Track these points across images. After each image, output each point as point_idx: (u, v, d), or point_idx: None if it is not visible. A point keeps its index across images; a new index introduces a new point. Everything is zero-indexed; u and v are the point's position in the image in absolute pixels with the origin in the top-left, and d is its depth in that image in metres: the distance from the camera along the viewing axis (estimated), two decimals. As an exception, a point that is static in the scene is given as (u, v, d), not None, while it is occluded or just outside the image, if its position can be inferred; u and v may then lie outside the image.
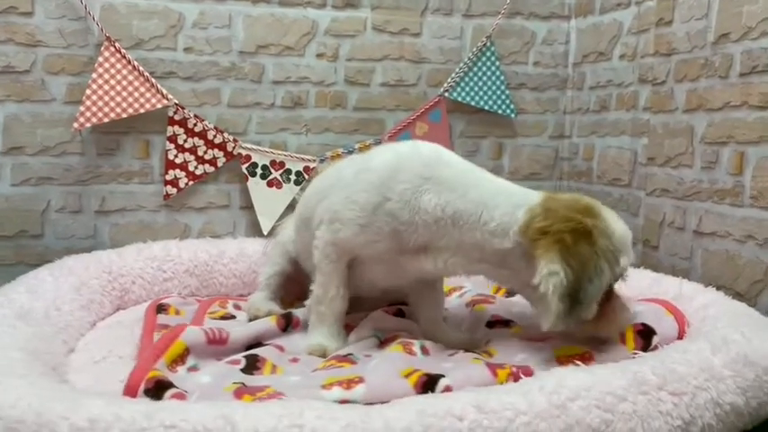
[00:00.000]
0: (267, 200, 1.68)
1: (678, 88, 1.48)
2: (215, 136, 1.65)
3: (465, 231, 1.03)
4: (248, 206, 1.70)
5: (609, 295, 1.02)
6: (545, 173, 1.93)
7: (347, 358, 1.06)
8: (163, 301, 1.36)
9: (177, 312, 1.32)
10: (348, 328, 1.21)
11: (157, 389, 0.88)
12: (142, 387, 0.88)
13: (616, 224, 1.02)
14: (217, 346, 1.05)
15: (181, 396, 0.87)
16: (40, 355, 0.95)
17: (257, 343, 1.13)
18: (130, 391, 0.88)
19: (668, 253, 1.52)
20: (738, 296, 1.31)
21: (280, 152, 1.69)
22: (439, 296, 1.24)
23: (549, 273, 0.93)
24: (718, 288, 1.27)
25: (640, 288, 1.31)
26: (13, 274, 1.53)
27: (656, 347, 1.07)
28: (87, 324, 1.27)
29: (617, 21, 1.70)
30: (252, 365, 1.02)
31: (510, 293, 1.47)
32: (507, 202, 1.04)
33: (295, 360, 1.09)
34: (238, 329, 1.11)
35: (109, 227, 1.63)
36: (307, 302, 1.19)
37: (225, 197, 1.70)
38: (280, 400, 0.83)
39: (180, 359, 1.00)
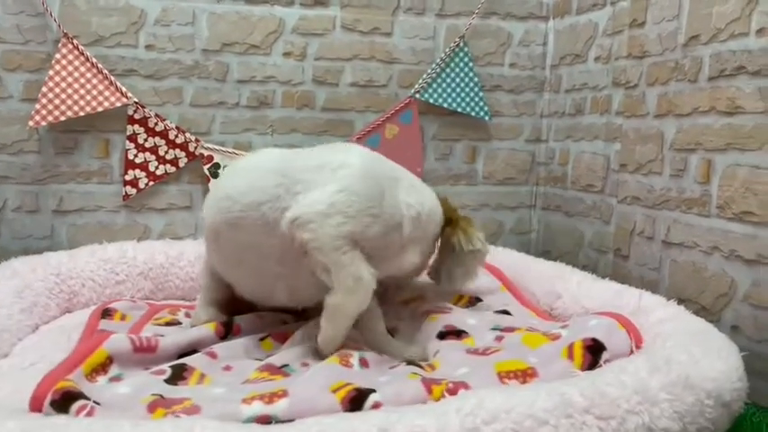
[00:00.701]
0: (230, 202, 1.64)
1: (650, 92, 1.43)
2: (176, 135, 1.61)
3: (428, 224, 1.20)
4: (211, 208, 1.66)
5: None
6: (520, 177, 1.87)
7: (281, 371, 1.02)
8: (110, 306, 1.32)
9: (123, 318, 1.29)
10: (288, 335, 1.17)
11: (64, 400, 0.83)
12: (48, 398, 0.84)
13: None
14: (145, 354, 1.01)
15: (86, 408, 0.83)
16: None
17: (192, 350, 1.09)
18: (36, 402, 0.84)
19: (638, 263, 1.46)
20: (703, 310, 1.25)
21: (244, 153, 1.65)
22: (375, 305, 1.19)
23: (482, 242, 1.25)
24: (684, 301, 1.22)
25: (602, 300, 1.26)
26: None
27: (602, 365, 1.03)
28: (28, 328, 1.23)
29: (593, 22, 1.64)
30: (177, 375, 0.98)
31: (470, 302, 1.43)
32: (432, 197, 1.25)
33: (228, 368, 1.05)
34: (171, 337, 1.07)
35: (66, 227, 1.59)
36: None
37: (186, 198, 1.66)
38: (179, 418, 0.79)
39: (101, 368, 0.96)
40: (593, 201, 1.64)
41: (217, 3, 1.62)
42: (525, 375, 0.97)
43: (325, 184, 1.07)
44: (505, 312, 1.34)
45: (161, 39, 1.60)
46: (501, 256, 1.61)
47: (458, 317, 1.27)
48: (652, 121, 1.42)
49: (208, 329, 1.13)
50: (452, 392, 0.90)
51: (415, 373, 0.98)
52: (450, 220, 1.26)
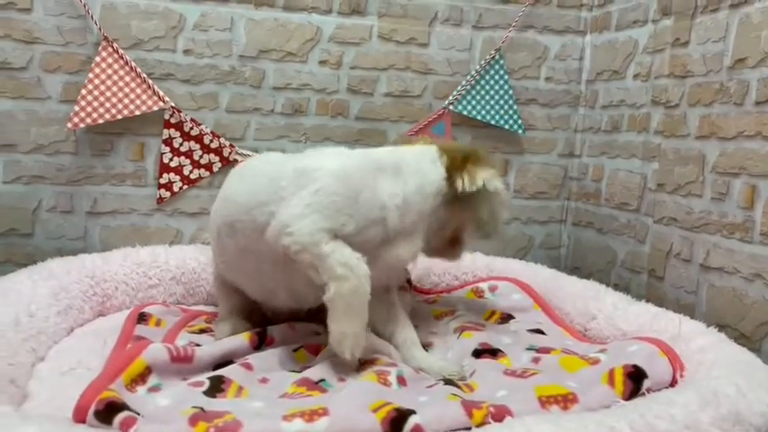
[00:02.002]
0: (262, 208, 1.64)
1: (691, 113, 1.41)
2: (211, 140, 1.62)
3: (419, 203, 1.14)
4: (242, 214, 1.66)
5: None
6: (552, 192, 1.86)
7: (318, 386, 1.01)
8: (145, 310, 1.33)
9: (158, 323, 1.29)
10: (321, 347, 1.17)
11: (108, 411, 0.83)
12: (92, 408, 0.84)
13: None
14: (182, 364, 1.01)
15: (132, 420, 0.83)
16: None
17: (227, 361, 1.09)
18: (80, 411, 0.84)
19: (673, 285, 1.45)
20: (743, 338, 1.23)
21: (277, 160, 1.65)
22: (397, 312, 1.20)
23: (489, 180, 1.19)
24: (723, 327, 1.19)
25: (639, 324, 1.24)
26: (1, 272, 1.52)
27: (645, 392, 1.01)
28: (63, 331, 1.23)
29: (632, 38, 1.63)
30: (216, 387, 0.97)
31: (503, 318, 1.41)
32: (423, 167, 1.19)
33: (264, 381, 1.05)
34: (207, 347, 1.07)
35: (99, 229, 1.60)
36: None
37: (219, 203, 1.66)
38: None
39: (140, 378, 0.96)
40: (628, 219, 1.62)
41: (255, 9, 1.62)
42: (566, 401, 0.96)
43: (304, 188, 1.06)
44: (539, 331, 1.33)
45: (199, 44, 1.60)
46: (532, 273, 1.59)
47: (492, 335, 1.26)
48: (693, 143, 1.40)
49: (242, 340, 1.13)
50: (494, 417, 0.89)
51: (455, 395, 0.97)
52: (456, 163, 1.16)
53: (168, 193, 1.62)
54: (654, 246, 1.52)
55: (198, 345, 1.15)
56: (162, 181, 1.61)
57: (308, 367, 1.09)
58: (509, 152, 1.81)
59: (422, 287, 1.63)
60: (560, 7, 1.79)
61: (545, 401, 0.96)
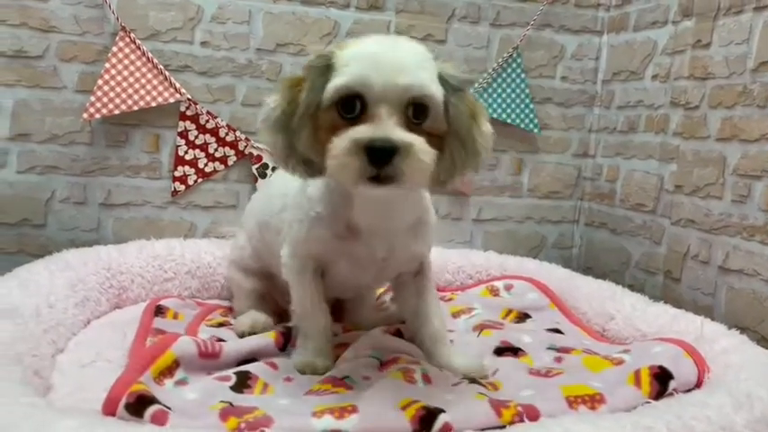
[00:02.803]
0: (276, 203, 1.63)
1: (712, 115, 1.41)
2: (227, 134, 1.61)
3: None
4: (257, 208, 1.65)
5: None
6: (565, 192, 1.86)
7: (343, 382, 1.00)
8: (161, 303, 1.32)
9: (176, 316, 1.28)
10: (346, 346, 1.16)
11: (139, 404, 0.82)
12: (123, 401, 0.83)
13: None
14: (208, 359, 1.00)
15: (162, 413, 0.83)
16: (22, 358, 0.91)
17: (251, 358, 1.08)
18: (111, 404, 0.83)
19: (690, 287, 1.45)
20: (763, 340, 1.24)
21: (292, 154, 1.64)
22: (427, 304, 1.16)
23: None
24: (742, 330, 1.19)
25: (659, 325, 1.24)
26: (13, 263, 1.50)
27: (671, 393, 1.01)
28: (81, 322, 1.22)
29: (651, 39, 1.62)
30: (242, 383, 0.97)
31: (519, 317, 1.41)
32: None
33: (289, 379, 1.04)
34: (233, 344, 1.06)
35: (113, 220, 1.59)
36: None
37: (233, 197, 1.65)
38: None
39: (168, 371, 0.95)
40: (644, 220, 1.62)
41: (273, 2, 1.61)
42: (593, 401, 0.96)
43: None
44: (557, 331, 1.33)
45: (216, 36, 1.59)
46: (546, 272, 1.59)
47: (512, 333, 1.26)
48: (713, 144, 1.40)
49: (268, 339, 1.12)
50: (522, 417, 0.89)
51: (482, 394, 0.97)
52: None
53: (183, 186, 1.60)
54: (670, 247, 1.52)
55: (220, 339, 1.15)
56: (177, 174, 1.60)
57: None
58: (523, 151, 1.81)
59: (437, 285, 1.62)
60: (578, 6, 1.79)
61: (572, 401, 0.95)
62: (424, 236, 1.10)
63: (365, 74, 0.86)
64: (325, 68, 0.90)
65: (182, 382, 0.95)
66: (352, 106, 0.87)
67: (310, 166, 0.94)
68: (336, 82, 0.87)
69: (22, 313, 1.05)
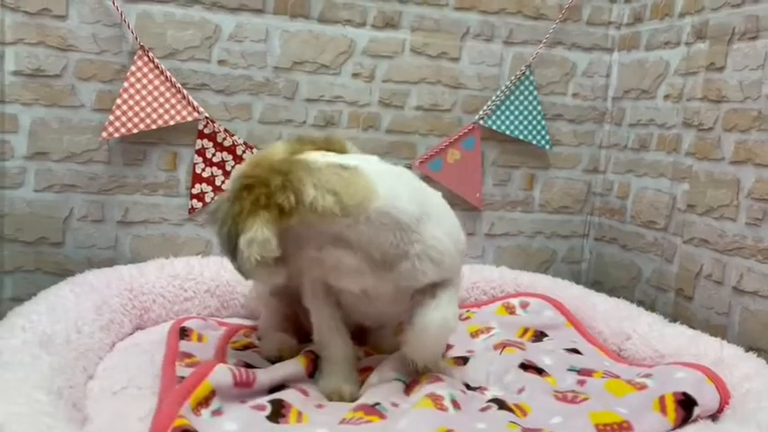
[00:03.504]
0: (292, 220, 1.64)
1: (726, 137, 1.43)
2: (244, 151, 1.61)
3: None
4: (273, 225, 1.66)
5: None
6: (575, 207, 1.88)
7: (375, 410, 1.02)
8: (184, 325, 1.32)
9: (200, 338, 1.29)
10: (370, 370, 1.18)
11: (183, 439, 0.84)
12: (168, 437, 0.84)
13: None
14: (243, 388, 1.02)
15: (206, 449, 0.84)
16: (63, 392, 0.92)
17: (281, 385, 1.09)
18: (155, 439, 0.84)
19: (703, 306, 1.47)
20: (778, 361, 1.26)
21: (308, 172, 1.65)
22: (436, 300, 1.11)
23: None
24: (757, 351, 1.22)
25: (677, 346, 1.27)
26: (30, 281, 1.52)
27: (695, 420, 1.04)
28: (106, 346, 1.23)
29: (663, 59, 1.65)
30: (277, 412, 0.98)
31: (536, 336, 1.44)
32: None
33: (320, 406, 1.06)
34: (266, 372, 1.07)
35: (130, 238, 1.59)
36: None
37: (250, 214, 1.65)
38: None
39: (205, 401, 0.96)
40: (655, 237, 1.65)
41: (290, 21, 1.62)
42: (621, 429, 0.98)
43: None
44: (575, 351, 1.35)
45: (234, 54, 1.59)
46: (560, 290, 1.62)
47: (534, 354, 1.28)
48: (727, 167, 1.42)
49: (299, 365, 1.13)
50: (556, 445, 0.91)
51: (513, 423, 0.99)
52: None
53: (200, 204, 1.61)
54: (682, 266, 1.55)
55: (247, 363, 1.16)
56: (194, 191, 1.60)
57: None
58: (535, 167, 1.83)
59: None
60: (589, 24, 1.81)
61: (602, 430, 0.98)
62: (416, 270, 1.06)
63: None
64: None
65: (217, 412, 0.97)
66: None
67: None
68: None
69: (54, 341, 1.05)
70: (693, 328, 1.40)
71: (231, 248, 0.98)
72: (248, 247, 0.95)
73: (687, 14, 1.58)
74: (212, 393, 0.97)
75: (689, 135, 1.55)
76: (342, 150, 1.12)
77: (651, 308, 1.61)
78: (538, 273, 1.82)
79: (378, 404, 1.04)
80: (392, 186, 1.04)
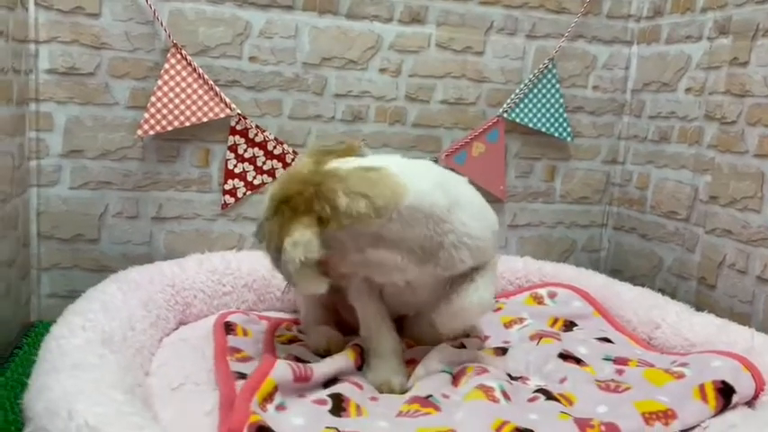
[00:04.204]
0: (322, 214, 1.67)
1: (750, 131, 1.47)
2: (275, 147, 1.64)
3: None
4: (303, 218, 1.69)
5: None
6: (594, 197, 1.92)
7: (429, 402, 1.06)
8: (228, 319, 1.35)
9: (245, 333, 1.32)
10: (415, 362, 1.22)
11: (259, 436, 0.88)
12: (245, 433, 0.87)
13: None
14: (301, 383, 1.05)
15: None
16: (135, 390, 0.95)
17: (334, 378, 1.13)
18: (232, 436, 0.88)
19: (727, 294, 1.52)
20: (802, 348, 1.31)
21: (337, 166, 1.68)
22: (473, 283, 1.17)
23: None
24: (783, 338, 1.27)
25: (706, 334, 1.32)
26: (68, 278, 1.55)
27: (734, 406, 1.09)
28: (156, 342, 1.26)
29: (685, 53, 1.68)
30: (338, 406, 1.02)
31: (566, 326, 1.48)
32: None
33: (374, 399, 1.10)
34: (321, 366, 1.11)
35: (164, 234, 1.61)
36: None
37: (280, 209, 1.68)
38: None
39: (269, 397, 1.00)
40: (676, 227, 1.69)
41: (319, 17, 1.63)
42: (666, 417, 1.03)
43: None
44: (606, 340, 1.40)
45: (264, 51, 1.61)
46: (585, 279, 1.66)
47: (569, 344, 1.32)
48: (751, 160, 1.46)
49: (348, 359, 1.17)
50: (608, 434, 0.96)
51: (564, 413, 1.03)
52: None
53: (232, 199, 1.64)
54: (705, 255, 1.59)
55: (297, 357, 1.19)
56: (227, 187, 1.63)
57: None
58: (556, 158, 1.87)
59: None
60: (609, 18, 1.84)
61: (648, 418, 1.02)
62: (452, 258, 1.11)
63: None
64: None
65: (281, 407, 1.00)
66: None
67: None
68: None
69: (113, 340, 1.08)
70: (717, 315, 1.45)
71: (278, 259, 1.02)
72: (293, 249, 0.98)
73: (709, 9, 1.61)
74: (275, 389, 1.01)
75: (711, 128, 1.59)
76: (359, 155, 1.15)
77: (673, 295, 1.66)
78: (559, 261, 1.86)
79: (430, 396, 1.09)
80: (418, 181, 1.08)
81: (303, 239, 0.99)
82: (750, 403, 1.11)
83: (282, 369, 1.03)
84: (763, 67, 1.44)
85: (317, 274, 1.03)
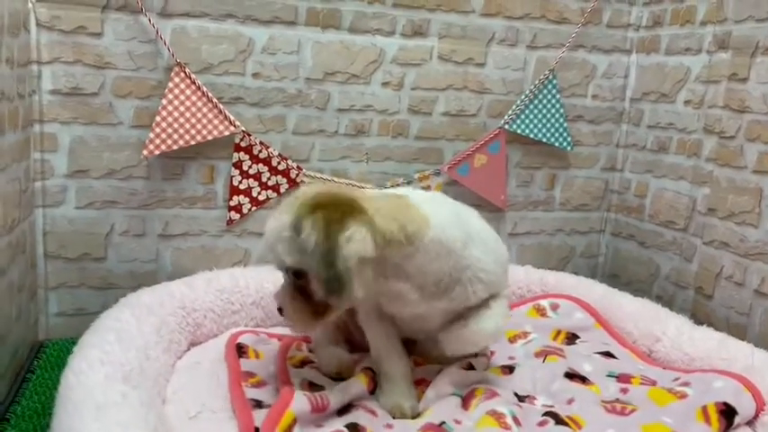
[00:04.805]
0: (327, 227, 1.68)
1: (749, 147, 1.50)
2: (279, 163, 1.64)
3: None
4: (307, 232, 1.70)
5: None
6: (593, 204, 1.95)
7: (443, 429, 1.09)
8: (239, 341, 1.37)
9: (257, 355, 1.34)
10: (424, 382, 1.24)
11: (282, 474, 0.90)
12: (269, 472, 0.90)
13: None
14: (319, 413, 1.08)
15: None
16: (158, 428, 0.97)
17: (348, 404, 1.15)
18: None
19: (724, 305, 1.56)
20: (798, 362, 1.35)
21: (341, 180, 1.69)
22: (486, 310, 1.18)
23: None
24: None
25: (706, 350, 1.35)
26: (75, 297, 1.56)
27: (737, 427, 1.13)
28: (170, 367, 1.28)
29: (684, 65, 1.70)
30: (355, 436, 1.05)
31: (569, 338, 1.51)
32: None
33: (389, 426, 1.12)
34: (336, 395, 1.13)
35: (171, 251, 1.62)
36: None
37: (285, 223, 1.69)
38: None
39: (289, 429, 1.02)
40: (674, 237, 1.73)
41: (321, 32, 1.63)
42: (672, 439, 1.07)
43: None
44: (609, 354, 1.43)
45: (267, 67, 1.61)
46: (585, 289, 1.69)
47: (575, 360, 1.35)
48: (750, 176, 1.49)
49: (361, 384, 1.19)
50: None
51: (575, 438, 1.07)
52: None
53: (238, 215, 1.65)
54: (702, 265, 1.63)
55: (311, 383, 1.22)
56: (232, 203, 1.63)
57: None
58: (556, 167, 1.89)
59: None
60: (609, 27, 1.85)
61: (654, 442, 1.06)
62: (465, 292, 1.12)
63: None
64: None
65: (300, 439, 1.03)
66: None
67: None
68: None
69: (132, 373, 1.10)
70: (713, 325, 1.49)
71: (325, 254, 0.96)
72: (347, 244, 0.94)
73: (709, 23, 1.63)
74: (294, 421, 1.03)
75: (710, 141, 1.61)
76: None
77: (670, 303, 1.71)
78: (558, 268, 1.90)
79: (443, 423, 1.11)
80: (438, 214, 1.08)
81: (358, 236, 0.95)
82: (750, 423, 1.16)
83: (300, 401, 1.06)
84: (762, 84, 1.47)
85: (370, 277, 0.99)
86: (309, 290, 1.03)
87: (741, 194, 1.52)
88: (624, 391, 1.25)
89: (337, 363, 1.28)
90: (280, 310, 1.11)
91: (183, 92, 1.53)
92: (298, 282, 1.04)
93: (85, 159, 1.53)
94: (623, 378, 1.31)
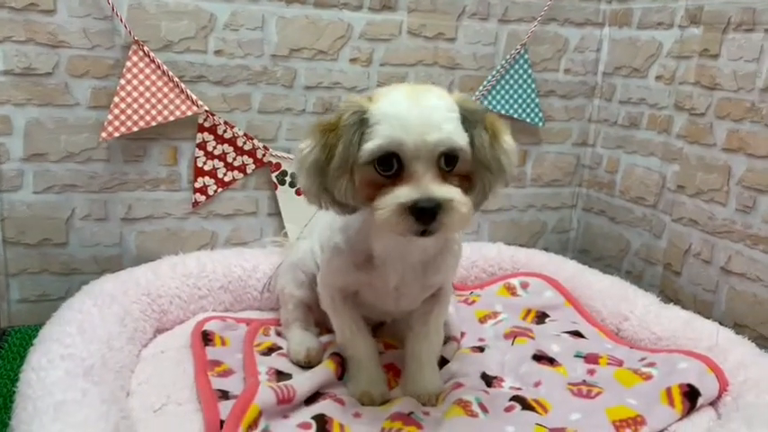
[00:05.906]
0: (296, 208, 1.66)
1: (719, 125, 1.49)
2: (245, 143, 1.60)
3: None
4: (276, 213, 1.68)
5: None
6: (565, 179, 1.94)
7: (412, 419, 1.09)
8: (206, 328, 1.35)
9: (223, 342, 1.33)
10: (393, 368, 1.24)
11: (247, 471, 0.89)
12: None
13: None
14: (284, 405, 1.07)
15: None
16: (119, 426, 0.95)
17: (315, 392, 1.15)
18: (220, 474, 0.89)
19: (691, 282, 1.58)
20: (761, 338, 1.38)
21: (309, 160, 1.65)
22: (428, 327, 1.19)
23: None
24: (741, 327, 1.34)
25: (673, 329, 1.37)
26: (37, 283, 1.53)
27: (699, 408, 1.14)
28: (135, 357, 1.25)
29: (656, 40, 1.68)
30: (322, 429, 1.04)
31: (539, 317, 1.52)
32: None
33: (357, 415, 1.11)
34: (303, 384, 1.12)
35: (135, 234, 1.59)
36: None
37: (253, 204, 1.66)
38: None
39: (254, 423, 1.01)
40: (644, 213, 1.73)
41: (286, 6, 1.58)
42: (636, 424, 1.08)
43: None
44: (577, 333, 1.44)
45: (230, 44, 1.56)
46: (555, 266, 1.69)
47: (543, 342, 1.36)
48: (719, 153, 1.49)
49: (328, 371, 1.18)
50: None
51: (540, 425, 1.07)
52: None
53: (203, 197, 1.61)
54: (671, 242, 1.64)
55: (278, 371, 1.21)
56: (197, 185, 1.60)
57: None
58: (527, 143, 1.87)
59: (454, 283, 1.70)
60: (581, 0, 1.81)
61: (618, 426, 1.07)
62: (443, 266, 1.14)
63: (397, 135, 0.92)
64: (359, 123, 0.95)
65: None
66: (390, 164, 0.94)
67: (344, 207, 1.00)
68: (371, 145, 0.93)
69: (94, 367, 1.07)
70: (681, 301, 1.51)
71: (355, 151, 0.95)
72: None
73: (681, -3, 1.60)
74: (259, 414, 1.02)
75: (680, 118, 1.61)
76: None
77: (639, 279, 1.72)
78: (529, 244, 1.90)
79: (412, 413, 1.11)
80: None
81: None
82: (714, 403, 1.17)
83: (266, 393, 1.04)
84: (733, 61, 1.45)
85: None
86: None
87: (710, 172, 1.52)
88: (591, 372, 1.26)
89: (306, 352, 1.27)
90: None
91: (141, 71, 1.48)
92: (445, 169, 0.95)
93: (42, 142, 1.47)
94: (591, 358, 1.32)
